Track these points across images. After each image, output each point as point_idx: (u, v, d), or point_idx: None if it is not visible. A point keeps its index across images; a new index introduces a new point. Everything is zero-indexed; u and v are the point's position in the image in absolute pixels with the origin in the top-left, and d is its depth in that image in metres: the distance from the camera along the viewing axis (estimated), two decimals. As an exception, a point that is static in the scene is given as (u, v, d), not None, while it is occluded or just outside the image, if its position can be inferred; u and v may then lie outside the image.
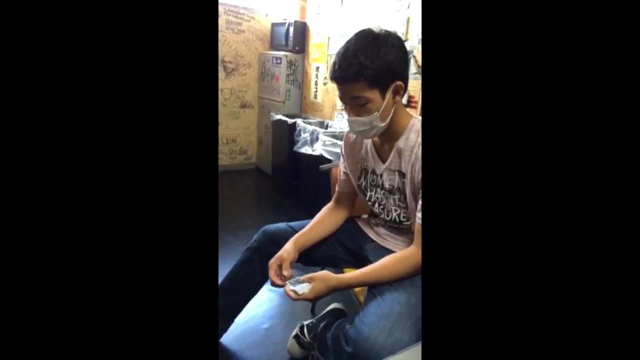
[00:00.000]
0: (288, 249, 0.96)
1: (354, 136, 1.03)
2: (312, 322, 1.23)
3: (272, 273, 0.91)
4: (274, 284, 0.90)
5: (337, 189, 1.12)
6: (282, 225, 1.11)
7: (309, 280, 0.85)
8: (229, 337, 1.26)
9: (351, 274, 0.88)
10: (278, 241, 1.03)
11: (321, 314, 1.26)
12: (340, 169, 1.10)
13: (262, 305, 1.51)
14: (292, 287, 0.85)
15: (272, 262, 0.93)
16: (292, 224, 1.11)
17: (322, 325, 1.11)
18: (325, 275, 0.86)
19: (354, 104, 0.85)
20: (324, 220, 1.08)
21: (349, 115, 0.88)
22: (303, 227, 1.07)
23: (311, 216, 1.10)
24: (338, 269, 1.09)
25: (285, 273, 0.91)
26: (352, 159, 1.05)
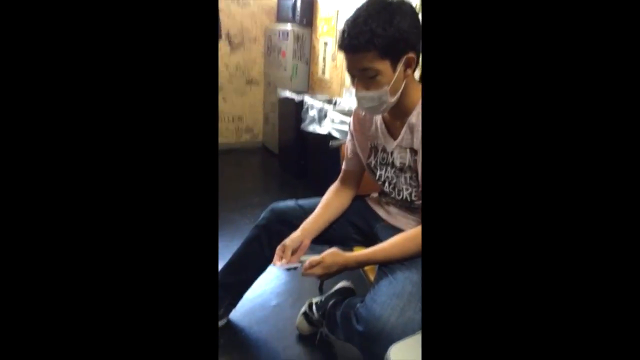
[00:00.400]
0: (293, 237, 0.95)
1: (364, 112, 1.00)
2: (320, 300, 1.23)
3: (276, 257, 0.92)
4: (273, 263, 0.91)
5: (343, 167, 1.09)
6: (290, 203, 1.09)
7: (318, 263, 0.84)
8: (238, 313, 1.27)
9: (361, 252, 0.87)
10: (287, 219, 1.02)
11: (330, 291, 1.26)
12: (348, 146, 1.07)
13: (270, 282, 1.52)
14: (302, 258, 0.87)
15: (278, 248, 0.93)
16: (300, 201, 1.09)
17: (331, 302, 1.11)
18: (335, 252, 0.85)
19: (362, 76, 0.80)
20: (330, 204, 1.05)
21: (356, 90, 0.83)
22: (312, 205, 1.05)
23: (318, 195, 1.08)
24: (348, 247, 1.08)
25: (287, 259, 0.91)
26: (361, 136, 1.01)
